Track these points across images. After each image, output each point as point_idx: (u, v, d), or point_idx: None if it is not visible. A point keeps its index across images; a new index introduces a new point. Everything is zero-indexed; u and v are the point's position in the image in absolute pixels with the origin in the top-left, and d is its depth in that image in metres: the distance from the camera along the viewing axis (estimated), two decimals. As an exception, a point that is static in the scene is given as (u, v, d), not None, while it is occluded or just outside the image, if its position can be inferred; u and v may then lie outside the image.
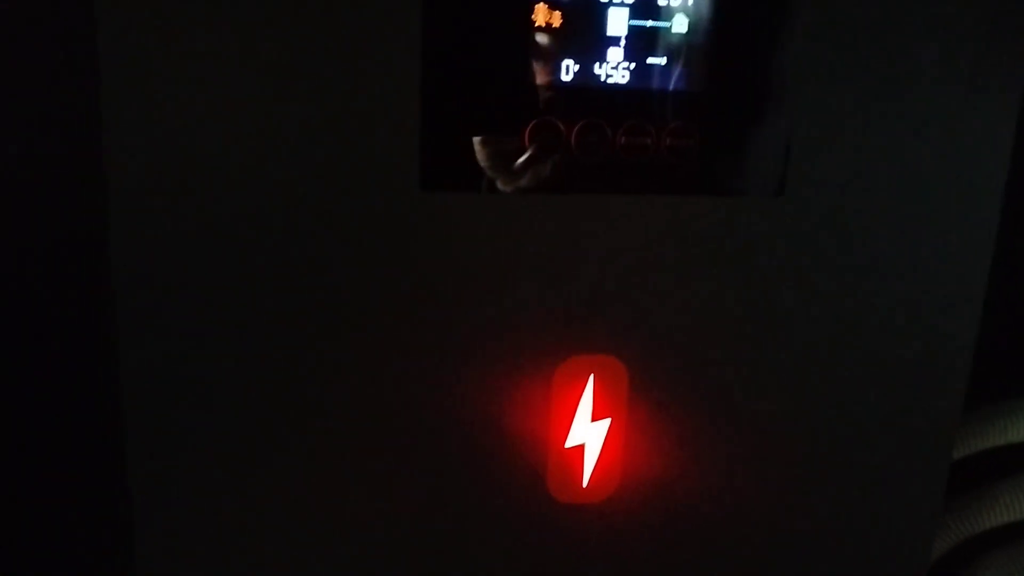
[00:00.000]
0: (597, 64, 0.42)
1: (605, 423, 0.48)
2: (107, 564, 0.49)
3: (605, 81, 0.43)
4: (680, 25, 0.43)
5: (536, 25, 0.41)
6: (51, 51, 0.44)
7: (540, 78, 0.42)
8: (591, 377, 0.47)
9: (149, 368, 0.42)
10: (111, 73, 0.38)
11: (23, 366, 0.49)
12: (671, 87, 0.44)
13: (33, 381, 0.49)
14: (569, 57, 0.42)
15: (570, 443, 0.48)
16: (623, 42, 0.43)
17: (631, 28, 0.42)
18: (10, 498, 0.51)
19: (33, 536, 0.52)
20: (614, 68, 0.43)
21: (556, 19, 0.41)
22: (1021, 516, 0.62)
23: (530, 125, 0.42)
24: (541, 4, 0.41)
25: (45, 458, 0.50)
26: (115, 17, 0.37)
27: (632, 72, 0.43)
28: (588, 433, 0.48)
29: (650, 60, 0.43)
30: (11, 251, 0.47)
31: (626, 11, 0.42)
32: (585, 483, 0.48)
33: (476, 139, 0.42)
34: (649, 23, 0.43)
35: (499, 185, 0.43)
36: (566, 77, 0.42)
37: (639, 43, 0.43)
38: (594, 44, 0.42)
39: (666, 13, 0.43)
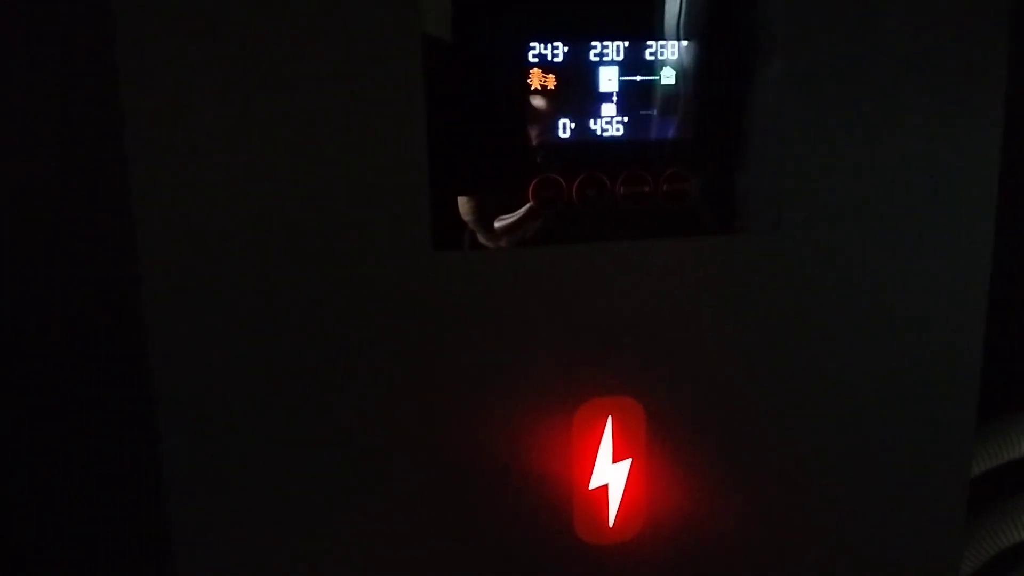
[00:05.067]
0: (592, 120, 0.45)
1: (626, 463, 0.49)
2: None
3: (601, 135, 0.45)
4: (668, 77, 0.45)
5: (532, 88, 0.44)
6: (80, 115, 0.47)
7: (539, 138, 0.44)
8: (609, 419, 0.48)
9: (186, 418, 0.44)
10: (136, 137, 0.40)
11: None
12: (664, 136, 0.46)
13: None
14: (565, 116, 0.44)
15: (594, 484, 0.49)
16: (615, 97, 0.45)
17: (622, 84, 0.45)
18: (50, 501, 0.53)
19: (69, 541, 0.54)
20: (608, 123, 0.45)
21: (551, 81, 0.44)
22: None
23: (533, 182, 0.44)
24: (536, 69, 0.43)
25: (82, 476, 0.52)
26: (140, 93, 0.40)
27: (626, 125, 0.45)
28: (611, 474, 0.49)
29: (642, 112, 0.45)
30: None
31: (616, 68, 0.45)
32: (611, 523, 0.49)
33: (480, 200, 0.44)
34: (638, 78, 0.45)
35: (506, 242, 0.45)
36: (564, 135, 0.45)
37: (630, 97, 0.45)
38: (588, 101, 0.45)
39: (654, 67, 0.45)
